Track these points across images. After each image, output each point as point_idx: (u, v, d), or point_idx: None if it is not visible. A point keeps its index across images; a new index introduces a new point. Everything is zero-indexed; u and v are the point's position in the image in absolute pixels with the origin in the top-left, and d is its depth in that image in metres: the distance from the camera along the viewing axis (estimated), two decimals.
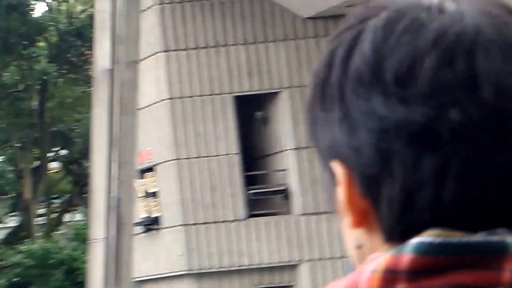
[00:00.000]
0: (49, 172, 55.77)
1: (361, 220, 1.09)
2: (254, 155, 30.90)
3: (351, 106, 1.15)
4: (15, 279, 45.38)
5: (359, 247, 1.11)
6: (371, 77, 1.18)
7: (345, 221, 1.10)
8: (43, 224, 57.36)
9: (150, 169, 31.22)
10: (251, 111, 30.86)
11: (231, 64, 30.55)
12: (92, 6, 46.03)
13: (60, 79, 51.89)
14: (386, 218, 1.08)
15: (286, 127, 30.71)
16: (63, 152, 57.14)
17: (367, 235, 1.10)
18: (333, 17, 30.21)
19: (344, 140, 1.11)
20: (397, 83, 1.19)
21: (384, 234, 1.09)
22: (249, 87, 30.61)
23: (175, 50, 31.18)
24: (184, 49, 30.91)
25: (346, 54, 1.21)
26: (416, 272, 1.02)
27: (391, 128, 1.12)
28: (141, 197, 31.06)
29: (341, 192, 1.09)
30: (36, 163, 54.25)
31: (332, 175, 1.12)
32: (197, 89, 30.49)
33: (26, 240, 48.96)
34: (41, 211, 57.45)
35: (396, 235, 1.08)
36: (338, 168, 1.10)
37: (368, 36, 1.19)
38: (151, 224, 30.76)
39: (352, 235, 1.12)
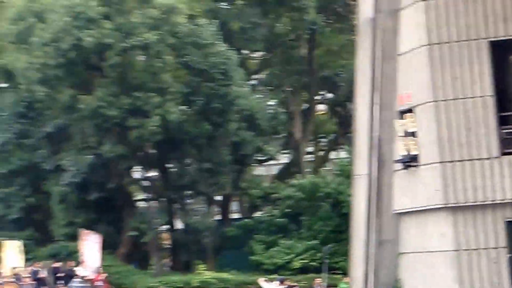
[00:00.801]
0: (316, 113, 56.85)
1: None
2: (507, 97, 30.44)
3: None
4: (287, 210, 46.21)
5: None
6: None
7: None
8: (311, 161, 58.67)
9: (409, 111, 31.26)
10: (506, 56, 30.37)
11: (486, 11, 30.07)
12: None
13: (327, 29, 52.42)
14: None
15: None
16: (329, 95, 57.99)
17: None
18: None
19: None
20: None
21: None
22: (504, 33, 30.10)
23: None
24: None
25: None
26: None
27: None
28: (401, 136, 31.28)
29: None
30: (305, 105, 55.34)
31: None
32: (454, 35, 30.15)
33: (296, 175, 49.88)
34: (310, 149, 58.71)
35: None
36: None
37: None
38: (410, 161, 30.78)
39: None
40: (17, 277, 37.88)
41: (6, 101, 46.01)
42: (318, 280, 37.64)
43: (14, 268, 38.79)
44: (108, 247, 41.61)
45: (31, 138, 45.64)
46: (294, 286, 36.74)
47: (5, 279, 37.84)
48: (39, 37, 39.56)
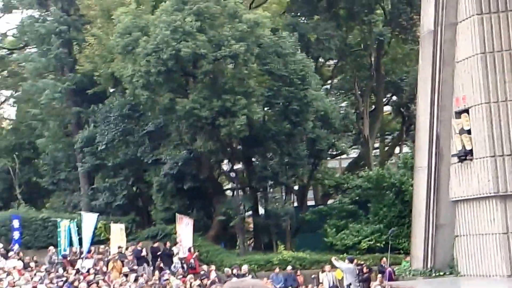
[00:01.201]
0: (382, 114, 56.80)
1: None
2: None
3: None
4: (356, 198, 46.37)
5: None
6: None
7: None
8: (378, 155, 58.69)
9: (464, 111, 31.55)
10: None
11: None
12: None
13: (393, 39, 52.74)
14: None
15: None
16: (394, 98, 57.89)
17: None
18: None
19: None
20: None
21: None
22: None
23: (488, 13, 31.28)
24: (495, 12, 30.96)
25: None
26: None
27: None
28: (457, 133, 31.59)
29: None
30: (373, 107, 55.48)
31: None
32: (506, 45, 30.49)
33: (364, 167, 50.18)
34: (376, 145, 58.76)
35: None
36: None
37: None
38: (465, 155, 31.02)
39: None
40: (122, 255, 39.02)
41: (114, 103, 46.76)
42: (383, 260, 37.77)
43: (119, 247, 39.87)
44: (199, 229, 42.59)
45: (135, 135, 46.23)
46: (362, 264, 36.67)
47: (112, 257, 39.19)
48: (143, 49, 39.94)
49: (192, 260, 39.21)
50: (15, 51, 62.61)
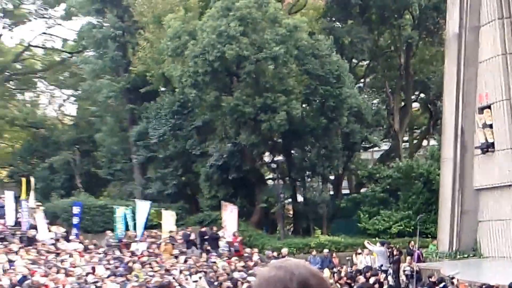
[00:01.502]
0: (411, 110, 56.45)
1: None
2: None
3: None
4: (387, 187, 46.13)
5: None
6: None
7: None
8: (407, 147, 58.29)
9: (487, 107, 31.58)
10: None
11: None
12: None
13: (420, 42, 52.32)
14: None
15: None
16: (422, 95, 57.49)
17: None
18: None
19: None
20: None
21: None
22: None
23: (508, 17, 31.20)
24: None
25: None
26: None
27: None
28: (480, 127, 31.59)
29: None
30: (402, 103, 55.15)
31: None
32: None
33: (395, 159, 49.77)
34: (406, 138, 58.36)
35: None
36: None
37: None
38: (487, 148, 31.07)
39: None
40: (172, 239, 39.36)
41: (165, 101, 47.00)
42: (411, 243, 37.47)
43: (170, 231, 40.13)
44: (243, 215, 42.60)
45: (184, 130, 46.35)
46: (392, 247, 36.56)
47: (163, 240, 39.52)
48: (191, 51, 40.13)
49: (236, 244, 39.33)
50: (75, 54, 63.14)
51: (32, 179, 46.30)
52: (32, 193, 44.86)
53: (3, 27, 64.62)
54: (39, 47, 68.95)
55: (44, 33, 66.98)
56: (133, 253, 37.44)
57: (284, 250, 38.41)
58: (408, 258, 34.52)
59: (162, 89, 49.80)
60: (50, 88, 72.56)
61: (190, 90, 41.30)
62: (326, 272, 33.98)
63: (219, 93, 41.82)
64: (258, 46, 40.45)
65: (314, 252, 38.91)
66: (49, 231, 41.03)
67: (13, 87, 70.25)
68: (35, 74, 69.20)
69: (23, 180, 46.68)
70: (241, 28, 39.97)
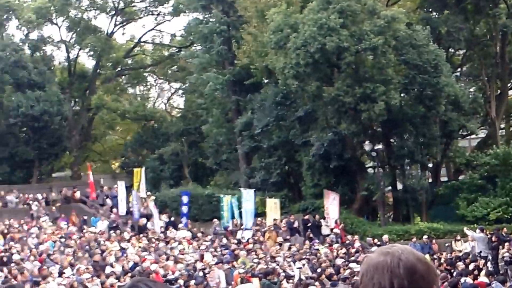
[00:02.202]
0: (508, 97, 54.52)
1: None
2: None
3: None
4: (485, 174, 44.47)
5: None
6: None
7: None
8: (504, 134, 56.24)
9: None
10: None
11: None
12: None
13: None
14: None
15: None
16: None
17: None
18: None
19: None
20: None
21: None
22: None
23: None
24: None
25: None
26: None
27: None
28: None
29: None
30: (498, 91, 53.16)
31: None
32: None
33: (492, 146, 47.72)
34: (502, 125, 56.31)
35: None
36: None
37: None
38: None
39: None
40: (276, 226, 38.63)
41: (268, 92, 46.51)
42: (504, 229, 35.86)
43: (274, 219, 39.53)
44: (344, 203, 41.76)
45: (286, 120, 45.77)
46: (492, 233, 34.79)
47: (268, 228, 38.88)
48: (293, 44, 39.52)
49: (338, 231, 38.51)
50: (183, 49, 63.58)
51: (143, 170, 46.39)
52: (143, 183, 44.95)
53: (115, 25, 65.36)
54: (148, 42, 69.73)
55: (153, 29, 67.50)
56: (239, 241, 36.97)
57: (385, 237, 37.42)
58: (506, 244, 32.89)
59: (266, 81, 49.36)
60: (159, 82, 73.27)
61: (292, 81, 40.62)
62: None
63: (320, 83, 40.96)
64: (358, 38, 39.45)
65: (414, 239, 37.49)
66: (159, 219, 41.39)
67: (125, 82, 71.34)
68: (145, 68, 70.03)
69: (135, 171, 46.89)
70: (341, 20, 39.13)
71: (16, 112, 53.85)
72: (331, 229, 38.79)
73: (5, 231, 36.22)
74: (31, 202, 44.77)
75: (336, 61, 40.58)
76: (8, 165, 55.98)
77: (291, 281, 27.35)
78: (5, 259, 29.16)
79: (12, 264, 27.55)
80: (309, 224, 39.46)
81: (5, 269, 26.50)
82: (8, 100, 55.10)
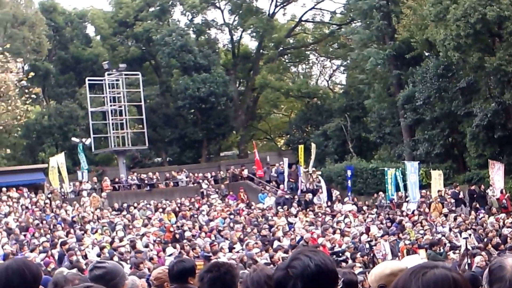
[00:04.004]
0: None
1: None
2: None
3: None
4: None
5: None
6: None
7: None
8: None
9: None
10: None
11: None
12: None
13: None
14: None
15: None
16: None
17: None
18: None
19: None
20: None
21: None
22: None
23: None
24: None
25: None
26: None
27: None
28: None
29: None
30: None
31: None
32: None
33: None
34: None
35: None
36: None
37: None
38: None
39: None
40: (441, 198, 38.70)
41: (429, 65, 46.24)
42: None
43: (438, 191, 39.73)
44: (510, 172, 40.90)
45: (448, 92, 45.53)
46: None
47: (433, 199, 38.92)
48: (453, 15, 39.34)
49: (504, 200, 38.34)
50: (343, 26, 64.19)
51: (314, 145, 48.04)
52: (312, 159, 46.59)
53: (276, 6, 67.14)
54: (309, 21, 70.89)
55: (314, 8, 68.71)
56: (404, 213, 37.47)
57: None
58: None
59: (426, 53, 49.30)
60: (320, 60, 74.51)
61: (453, 53, 40.43)
62: None
63: (482, 54, 40.51)
64: None
65: None
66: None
67: (287, 61, 72.97)
68: (306, 47, 71.29)
69: (300, 147, 48.47)
70: None
71: (184, 94, 56.91)
72: (497, 199, 38.59)
73: (177, 209, 38.27)
74: (200, 180, 47.05)
75: (497, 30, 40.09)
76: (178, 146, 59.41)
77: (457, 251, 27.93)
78: (177, 236, 30.80)
79: (184, 241, 29.07)
80: (475, 195, 39.61)
81: (177, 246, 27.85)
82: (176, 83, 58.39)
